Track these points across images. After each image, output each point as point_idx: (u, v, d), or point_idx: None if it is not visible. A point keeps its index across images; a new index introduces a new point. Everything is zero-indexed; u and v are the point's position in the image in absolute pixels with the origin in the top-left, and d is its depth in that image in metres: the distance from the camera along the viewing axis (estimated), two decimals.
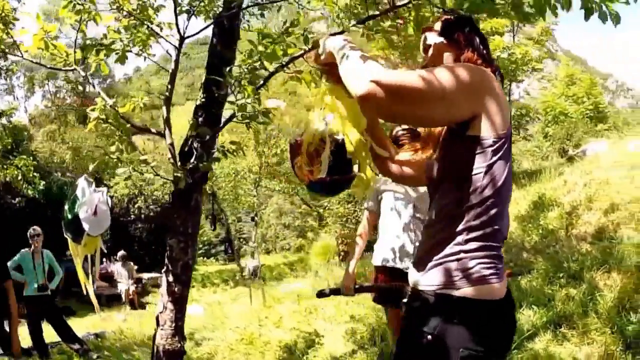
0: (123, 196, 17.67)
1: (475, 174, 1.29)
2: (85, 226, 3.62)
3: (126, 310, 10.47)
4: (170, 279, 2.88)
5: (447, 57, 1.50)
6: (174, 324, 2.87)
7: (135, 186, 17.63)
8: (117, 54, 2.88)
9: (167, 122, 2.88)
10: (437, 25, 1.57)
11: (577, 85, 17.88)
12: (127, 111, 2.72)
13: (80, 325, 8.47)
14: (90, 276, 3.99)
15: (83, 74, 3.00)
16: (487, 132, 1.28)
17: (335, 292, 3.56)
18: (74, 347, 6.08)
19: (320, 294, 3.68)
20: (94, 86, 2.99)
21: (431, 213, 1.43)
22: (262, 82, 2.66)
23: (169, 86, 2.92)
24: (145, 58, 3.26)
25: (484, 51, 1.48)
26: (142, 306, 10.85)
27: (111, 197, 16.40)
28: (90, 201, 3.64)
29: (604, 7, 2.23)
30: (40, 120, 28.10)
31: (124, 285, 11.05)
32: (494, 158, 1.29)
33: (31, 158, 9.88)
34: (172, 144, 2.86)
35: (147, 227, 17.57)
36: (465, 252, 1.28)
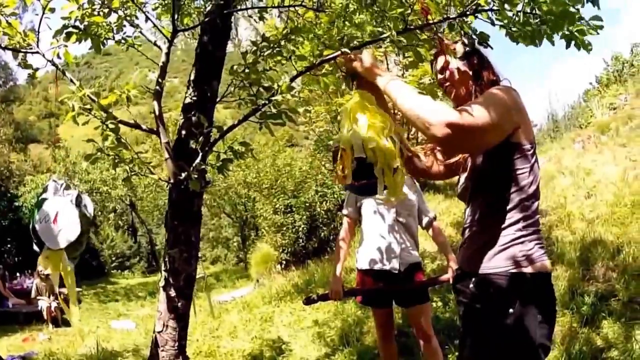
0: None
1: (521, 174, 1.57)
2: (43, 237, 3.18)
3: (49, 329, 9.55)
4: (172, 293, 2.66)
5: (469, 77, 1.76)
6: (177, 344, 2.65)
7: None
8: (96, 38, 2.62)
9: (160, 118, 2.65)
10: (458, 49, 1.81)
11: None
12: (109, 104, 2.42)
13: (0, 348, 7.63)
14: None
15: (48, 58, 2.64)
16: (525, 139, 1.57)
17: (324, 297, 3.54)
18: None
19: (309, 301, 3.63)
20: (63, 73, 2.64)
21: (481, 208, 1.66)
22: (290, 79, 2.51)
23: (160, 80, 2.69)
24: (128, 47, 3.03)
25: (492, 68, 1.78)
26: (66, 323, 9.92)
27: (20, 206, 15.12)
28: (51, 207, 3.20)
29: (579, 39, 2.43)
30: None
31: (45, 302, 10.06)
32: (532, 160, 1.59)
33: None
34: (168, 143, 2.64)
35: None
36: (525, 236, 1.54)
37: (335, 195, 9.42)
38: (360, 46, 2.41)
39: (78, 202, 2.94)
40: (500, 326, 1.50)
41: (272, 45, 2.57)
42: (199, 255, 2.85)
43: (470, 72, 1.76)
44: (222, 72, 2.98)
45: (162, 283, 2.73)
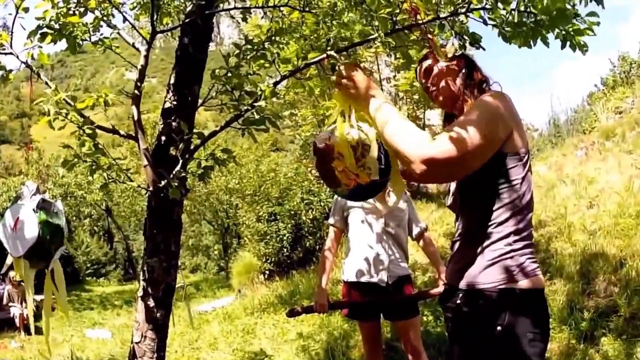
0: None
1: (514, 185, 1.49)
2: (5, 243, 2.96)
3: (21, 336, 9.23)
4: (151, 303, 2.50)
5: (457, 76, 1.69)
6: (155, 355, 2.49)
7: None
8: (72, 38, 2.48)
9: (139, 124, 2.51)
10: (448, 50, 1.74)
11: None
12: (85, 108, 2.31)
13: None
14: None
15: (22, 60, 2.50)
16: (517, 148, 1.49)
17: (308, 310, 3.41)
18: None
19: (292, 313, 3.48)
20: (38, 75, 2.50)
21: (470, 221, 1.60)
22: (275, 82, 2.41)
23: (139, 83, 2.55)
24: (104, 50, 2.89)
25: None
26: (38, 331, 9.58)
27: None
28: (13, 213, 2.97)
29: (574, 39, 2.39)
30: None
31: (17, 309, 9.72)
32: (525, 170, 1.51)
33: None
34: (147, 149, 2.51)
35: None
36: (515, 250, 1.47)
37: (322, 203, 9.21)
38: (349, 47, 2.33)
39: (42, 208, 2.70)
40: (487, 342, 1.45)
41: (255, 47, 2.48)
42: (178, 263, 2.70)
43: (460, 72, 1.70)
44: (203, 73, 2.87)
45: (140, 293, 2.57)
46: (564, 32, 2.37)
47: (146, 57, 2.60)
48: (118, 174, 2.47)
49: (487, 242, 1.51)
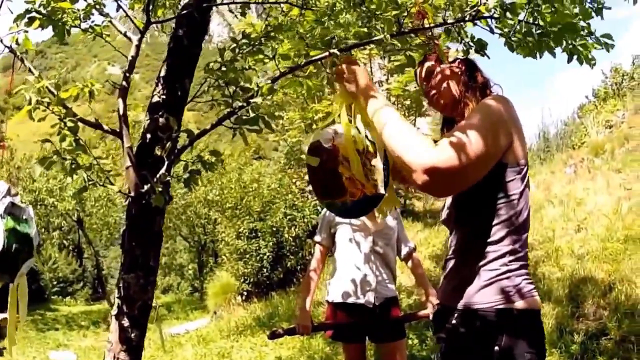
0: None
1: (512, 200, 1.42)
2: None
3: None
4: (126, 323, 2.23)
5: (460, 79, 1.63)
6: None
7: None
8: (61, 24, 2.29)
9: (124, 118, 2.29)
10: (451, 54, 1.73)
11: None
12: (69, 98, 2.11)
13: None
14: None
15: (6, 44, 2.31)
16: (518, 159, 1.41)
17: (291, 332, 3.24)
18: None
19: (274, 335, 3.28)
20: (22, 61, 2.28)
21: (465, 237, 1.53)
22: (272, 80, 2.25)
23: (128, 74, 2.35)
24: (95, 37, 2.70)
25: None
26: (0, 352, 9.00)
27: None
28: None
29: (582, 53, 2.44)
30: None
31: None
32: (523, 184, 1.44)
33: None
34: (131, 148, 2.29)
35: None
36: (511, 271, 1.42)
37: (306, 220, 8.92)
38: (349, 48, 2.24)
39: (11, 213, 2.41)
40: None
41: (252, 42, 2.36)
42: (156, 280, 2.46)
43: (461, 74, 1.64)
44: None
45: (115, 311, 2.31)
46: (571, 46, 2.37)
47: (138, 47, 2.44)
48: (99, 175, 2.23)
49: (483, 262, 1.45)
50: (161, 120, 2.41)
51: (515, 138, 1.40)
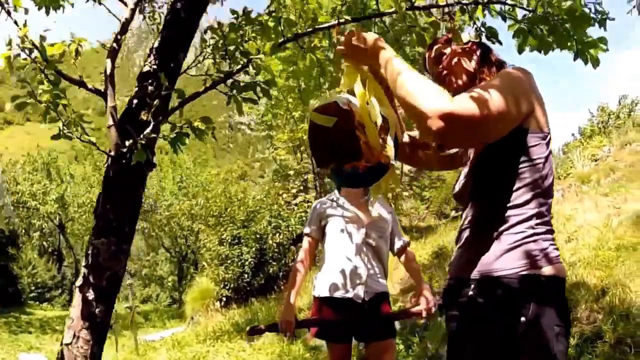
0: None
1: (537, 164, 1.32)
2: None
3: None
4: (90, 295, 2.04)
5: (474, 57, 1.54)
6: None
7: None
8: None
9: (111, 78, 2.21)
10: (464, 37, 1.64)
11: None
12: (55, 55, 2.03)
13: None
14: None
15: None
16: (541, 126, 1.33)
17: (272, 328, 3.01)
18: None
19: (253, 331, 3.07)
20: (8, 13, 2.15)
21: (484, 205, 1.40)
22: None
23: (119, 36, 2.25)
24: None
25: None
26: None
27: None
28: None
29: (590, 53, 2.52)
30: None
31: None
32: (548, 150, 1.34)
33: None
34: (115, 108, 2.19)
35: None
36: (538, 234, 1.30)
37: (290, 229, 8.74)
38: (361, 19, 2.21)
39: None
40: (509, 337, 1.23)
41: (254, 19, 2.31)
42: (130, 250, 2.29)
43: (474, 53, 1.55)
44: None
45: (79, 282, 2.13)
46: (579, 46, 2.42)
47: (133, 10, 2.42)
48: (76, 122, 2.12)
49: (504, 226, 1.31)
50: (150, 88, 2.32)
51: (537, 106, 1.32)
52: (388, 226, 3.03)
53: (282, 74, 8.83)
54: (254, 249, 8.59)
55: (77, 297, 2.10)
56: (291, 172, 8.73)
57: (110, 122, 2.17)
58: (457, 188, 1.55)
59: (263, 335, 6.08)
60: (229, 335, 6.56)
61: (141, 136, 2.06)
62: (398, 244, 3.08)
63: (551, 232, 1.34)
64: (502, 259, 1.29)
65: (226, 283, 8.75)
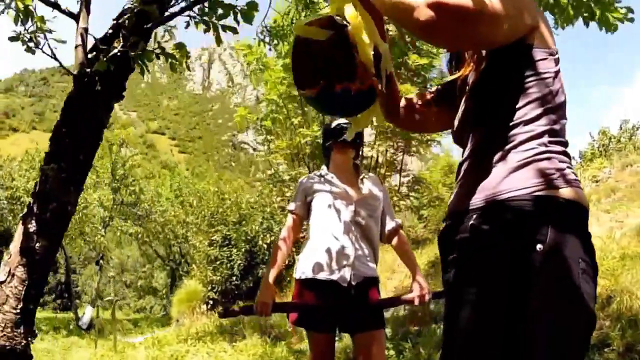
0: None
1: (546, 78, 1.12)
2: None
3: None
4: (32, 227, 1.77)
5: None
6: (21, 305, 1.75)
7: None
8: None
9: (87, 2, 2.02)
10: None
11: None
12: None
13: None
14: None
15: None
16: (547, 44, 1.14)
17: (247, 310, 2.69)
18: None
19: (227, 312, 2.76)
20: None
21: (487, 128, 1.16)
22: None
23: None
24: None
25: None
26: None
27: None
28: None
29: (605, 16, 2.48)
30: None
31: None
32: (558, 66, 1.15)
33: None
34: (86, 29, 2.00)
35: None
36: (552, 152, 1.07)
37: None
38: None
39: None
40: (518, 265, 0.98)
41: None
42: (84, 183, 2.02)
43: None
44: None
45: (23, 212, 1.86)
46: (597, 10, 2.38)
47: None
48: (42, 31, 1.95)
49: (511, 145, 1.09)
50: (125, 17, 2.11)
51: (542, 24, 1.14)
52: (379, 204, 2.73)
53: (284, 82, 8.71)
54: (243, 250, 8.28)
55: (19, 229, 1.83)
56: (287, 177, 8.49)
57: (79, 41, 1.97)
58: (456, 124, 1.31)
59: (246, 337, 5.76)
60: (212, 336, 6.26)
61: (108, 51, 1.83)
62: (389, 225, 2.76)
63: (568, 155, 1.11)
64: (510, 179, 1.05)
65: (214, 285, 8.41)
